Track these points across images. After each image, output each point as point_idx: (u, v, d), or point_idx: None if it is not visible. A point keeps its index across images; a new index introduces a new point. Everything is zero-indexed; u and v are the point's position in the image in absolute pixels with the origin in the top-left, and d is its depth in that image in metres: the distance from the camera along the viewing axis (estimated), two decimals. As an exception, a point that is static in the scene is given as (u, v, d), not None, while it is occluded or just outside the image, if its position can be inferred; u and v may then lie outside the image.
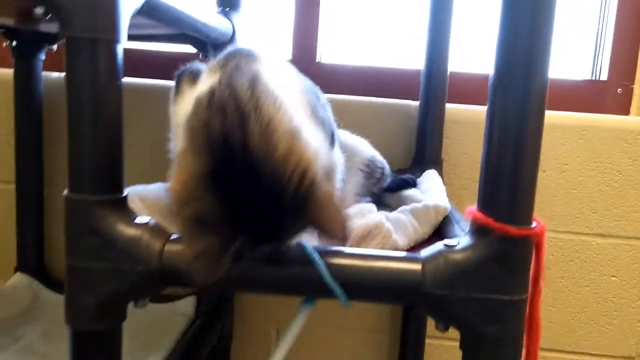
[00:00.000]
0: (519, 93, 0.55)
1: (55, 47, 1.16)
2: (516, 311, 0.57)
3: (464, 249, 0.57)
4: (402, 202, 0.90)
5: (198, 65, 0.70)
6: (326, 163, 0.56)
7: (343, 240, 0.53)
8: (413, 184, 0.97)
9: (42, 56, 1.17)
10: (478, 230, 0.57)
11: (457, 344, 1.27)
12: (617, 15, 1.26)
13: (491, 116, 0.57)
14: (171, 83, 0.72)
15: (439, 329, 0.60)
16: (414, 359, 1.22)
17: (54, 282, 1.25)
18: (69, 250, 0.59)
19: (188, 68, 0.70)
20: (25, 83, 1.15)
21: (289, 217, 0.52)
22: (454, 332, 1.25)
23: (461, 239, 0.59)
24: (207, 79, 0.60)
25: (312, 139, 0.55)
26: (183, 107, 0.62)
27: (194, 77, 0.67)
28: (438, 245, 0.59)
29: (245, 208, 0.52)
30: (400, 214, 0.78)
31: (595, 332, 1.22)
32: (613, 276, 1.20)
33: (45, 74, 1.21)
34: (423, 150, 1.14)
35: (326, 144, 0.60)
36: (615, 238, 1.18)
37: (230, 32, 1.04)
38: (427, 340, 1.22)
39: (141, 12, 0.62)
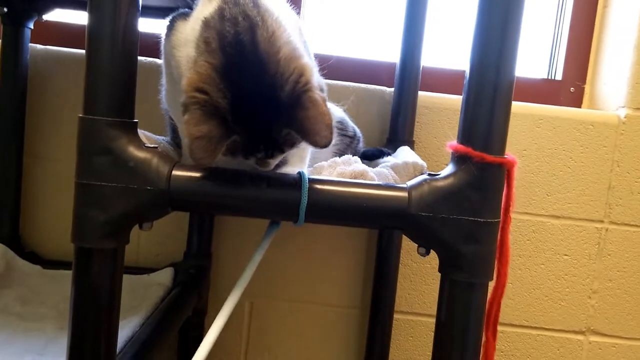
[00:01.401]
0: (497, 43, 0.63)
1: (44, 17, 1.19)
2: (490, 233, 0.64)
3: (445, 177, 0.64)
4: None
5: (184, 10, 0.77)
6: (318, 79, 0.64)
7: (327, 141, 0.60)
8: (388, 154, 1.04)
9: (31, 25, 1.19)
10: (458, 159, 0.64)
11: (424, 319, 1.33)
12: (572, 21, 1.39)
13: (471, 63, 0.64)
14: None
15: (420, 253, 0.66)
16: (382, 333, 1.28)
17: (27, 253, 1.25)
18: (80, 168, 0.62)
19: (179, 12, 0.77)
20: (13, 51, 1.17)
21: (284, 115, 0.60)
22: (419, 307, 1.31)
23: (443, 170, 0.66)
24: (206, 6, 0.67)
25: (306, 55, 0.64)
26: (180, 36, 0.71)
27: (185, 15, 0.74)
28: (422, 176, 0.66)
29: (248, 99, 0.59)
30: (382, 169, 0.85)
31: (549, 307, 1.31)
32: (565, 255, 1.29)
33: (32, 45, 1.23)
34: (396, 131, 1.22)
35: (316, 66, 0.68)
36: (567, 219, 1.28)
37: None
38: (395, 315, 1.28)
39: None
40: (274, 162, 0.65)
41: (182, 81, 0.60)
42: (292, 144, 0.63)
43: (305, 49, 0.67)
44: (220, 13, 0.63)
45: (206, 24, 0.63)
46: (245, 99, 0.59)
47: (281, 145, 0.63)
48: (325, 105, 0.61)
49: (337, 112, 1.00)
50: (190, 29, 0.67)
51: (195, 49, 0.62)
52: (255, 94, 0.59)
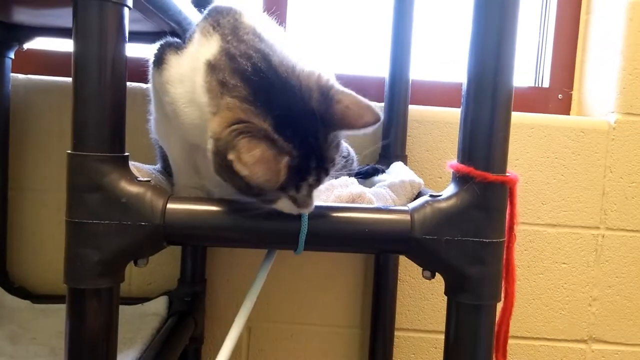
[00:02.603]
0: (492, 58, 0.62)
1: (25, 46, 1.17)
2: (495, 253, 0.63)
3: (447, 198, 0.63)
4: (375, 185, 0.95)
5: (173, 39, 0.75)
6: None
7: (377, 117, 0.61)
8: (382, 172, 1.03)
9: (12, 55, 1.17)
10: (460, 179, 0.63)
11: (425, 335, 1.32)
12: (556, 28, 1.40)
13: (468, 79, 0.63)
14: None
15: (425, 277, 0.65)
16: (383, 352, 1.26)
17: (16, 288, 1.22)
18: (71, 206, 0.60)
19: (168, 42, 0.74)
20: (-6, 82, 1.15)
21: (324, 120, 0.59)
22: (419, 323, 1.30)
23: (444, 191, 0.64)
24: (204, 45, 0.65)
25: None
26: (174, 72, 0.69)
27: (176, 48, 0.71)
28: (424, 198, 0.64)
29: (286, 118, 0.58)
30: (379, 188, 0.83)
31: (550, 317, 1.30)
32: (563, 263, 1.29)
33: (13, 75, 1.20)
34: (388, 147, 1.21)
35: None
36: (563, 227, 1.28)
37: (206, 31, 1.08)
38: (396, 333, 1.27)
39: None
40: (316, 191, 0.63)
41: (213, 121, 0.58)
42: (338, 152, 0.62)
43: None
44: (227, 53, 0.62)
45: (213, 67, 0.61)
46: (282, 118, 0.58)
47: (331, 156, 0.61)
48: (355, 94, 0.61)
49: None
50: (189, 68, 0.66)
51: (206, 94, 0.61)
52: (291, 112, 0.59)
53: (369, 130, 0.61)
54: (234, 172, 0.56)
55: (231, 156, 0.55)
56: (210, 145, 0.58)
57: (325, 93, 0.60)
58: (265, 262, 0.72)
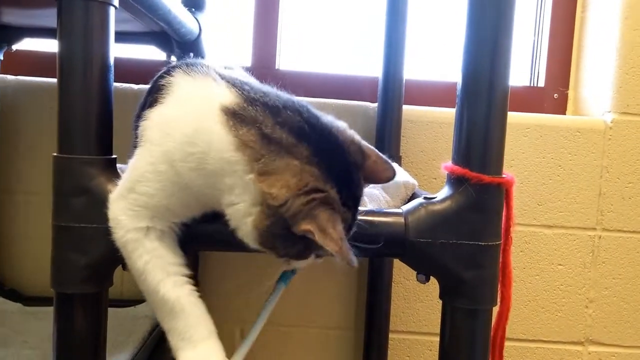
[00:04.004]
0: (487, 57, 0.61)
1: (14, 47, 1.15)
2: (492, 256, 0.62)
3: (442, 200, 0.62)
4: (368, 186, 0.94)
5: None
6: None
7: (394, 172, 0.63)
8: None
9: (0, 56, 1.15)
10: (455, 181, 0.61)
11: (419, 337, 1.31)
12: (551, 27, 1.39)
13: (463, 78, 0.62)
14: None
15: (420, 280, 0.64)
16: (378, 354, 1.24)
17: (7, 290, 1.20)
18: (57, 210, 0.59)
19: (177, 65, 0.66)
20: (-18, 83, 1.13)
21: (361, 176, 0.60)
22: (414, 325, 1.29)
23: (439, 193, 0.63)
24: (204, 83, 0.60)
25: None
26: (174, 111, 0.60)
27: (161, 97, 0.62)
28: (418, 200, 0.63)
29: (339, 180, 0.56)
30: (372, 189, 0.82)
31: (546, 319, 1.29)
32: (560, 265, 1.28)
33: (2, 76, 1.19)
34: (382, 147, 1.20)
35: None
36: (559, 228, 1.27)
37: (197, 30, 1.07)
38: (390, 335, 1.25)
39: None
40: None
41: (273, 185, 0.53)
42: None
43: None
44: (257, 102, 0.56)
45: (235, 114, 0.55)
46: (342, 181, 0.56)
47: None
48: (377, 154, 0.63)
49: None
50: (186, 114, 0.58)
51: (237, 151, 0.54)
52: (345, 171, 0.58)
53: (387, 182, 0.64)
54: (290, 240, 0.54)
55: (309, 226, 0.52)
56: (259, 206, 0.54)
57: (359, 148, 0.61)
58: (272, 298, 0.71)
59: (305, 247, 0.56)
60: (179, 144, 0.56)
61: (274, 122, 0.55)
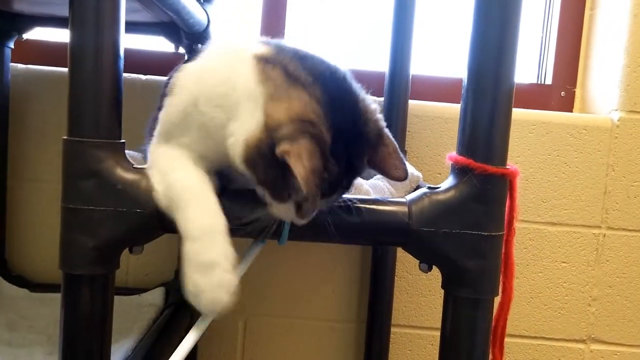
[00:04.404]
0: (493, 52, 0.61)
1: (25, 36, 1.16)
2: (495, 247, 0.62)
3: (446, 190, 0.62)
4: (372, 178, 0.95)
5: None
6: None
7: (406, 174, 0.62)
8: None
9: (12, 44, 1.16)
10: (459, 171, 0.62)
11: (421, 331, 1.31)
12: (560, 24, 1.38)
13: (469, 69, 0.62)
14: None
15: (422, 270, 0.64)
16: (380, 347, 1.25)
17: (14, 276, 1.22)
18: (66, 192, 0.60)
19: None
20: (-7, 71, 1.14)
21: (368, 151, 0.60)
22: (416, 320, 1.29)
23: (443, 183, 0.64)
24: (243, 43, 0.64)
25: None
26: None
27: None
28: (422, 190, 0.64)
29: (342, 135, 0.57)
30: (376, 181, 0.83)
31: (548, 316, 1.29)
32: (563, 262, 1.28)
33: (13, 64, 1.20)
34: (388, 141, 1.20)
35: None
36: (564, 226, 1.27)
37: (206, 21, 1.08)
38: (392, 329, 1.26)
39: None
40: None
41: (277, 109, 0.55)
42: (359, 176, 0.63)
43: None
44: (288, 51, 0.60)
45: (267, 60, 0.58)
46: (342, 135, 0.57)
47: (356, 178, 0.62)
48: (395, 147, 0.63)
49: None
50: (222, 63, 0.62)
51: (262, 84, 0.57)
52: (349, 131, 0.58)
53: (396, 181, 0.64)
54: (271, 164, 0.54)
55: (288, 147, 0.53)
56: (256, 128, 0.55)
57: (379, 130, 0.61)
58: (250, 253, 0.68)
59: (282, 175, 0.55)
60: (209, 87, 0.60)
61: (299, 65, 0.58)
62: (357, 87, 0.62)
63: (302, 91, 0.56)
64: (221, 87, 0.59)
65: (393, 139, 0.63)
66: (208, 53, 0.65)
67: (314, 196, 0.53)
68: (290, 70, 0.58)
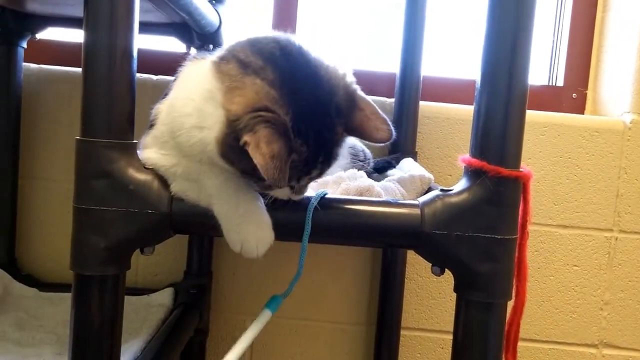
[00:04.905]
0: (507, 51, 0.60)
1: (37, 36, 1.17)
2: (508, 250, 0.62)
3: (459, 192, 0.62)
4: (384, 180, 0.94)
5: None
6: None
7: (390, 134, 0.61)
8: (394, 166, 1.02)
9: (24, 44, 1.17)
10: (472, 174, 0.62)
11: (431, 334, 1.30)
12: (571, 26, 1.37)
13: (483, 71, 0.62)
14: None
15: (434, 273, 0.64)
16: (389, 350, 1.24)
17: (24, 275, 1.22)
18: (78, 192, 0.60)
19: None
20: (6, 70, 1.15)
21: (342, 120, 0.59)
22: (426, 322, 1.28)
23: (456, 185, 0.63)
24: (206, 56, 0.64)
25: None
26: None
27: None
28: (434, 192, 0.63)
29: (307, 111, 0.57)
30: (388, 182, 0.82)
31: (560, 320, 1.28)
32: (575, 266, 1.27)
33: (25, 64, 1.21)
34: (398, 143, 1.20)
35: None
36: (576, 229, 1.26)
37: (217, 22, 1.08)
38: (402, 332, 1.25)
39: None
40: (309, 183, 0.62)
41: (233, 101, 0.56)
42: (338, 154, 0.62)
43: None
44: (242, 42, 0.61)
45: (222, 57, 0.59)
46: (304, 111, 0.57)
47: (337, 152, 0.60)
48: (373, 103, 0.61)
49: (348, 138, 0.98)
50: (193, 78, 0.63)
51: (217, 80, 0.58)
52: (314, 105, 0.57)
53: (379, 145, 0.62)
54: (243, 155, 0.55)
55: (248, 138, 0.54)
56: (220, 124, 0.56)
57: (350, 95, 0.60)
58: (255, 323, 0.68)
59: (252, 162, 0.55)
60: (182, 117, 0.61)
61: (251, 51, 0.59)
62: (317, 55, 0.60)
63: (254, 77, 0.56)
64: (190, 114, 0.60)
65: (370, 102, 0.61)
66: (180, 78, 0.67)
67: (278, 181, 0.53)
68: (242, 59, 0.58)
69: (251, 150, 0.53)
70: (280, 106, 0.56)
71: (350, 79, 0.61)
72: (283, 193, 0.61)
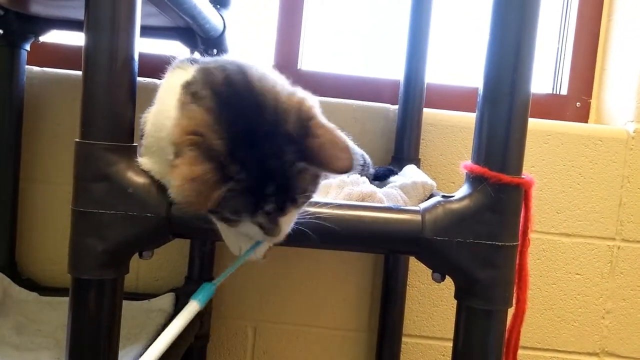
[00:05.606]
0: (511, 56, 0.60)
1: (40, 39, 1.17)
2: (509, 257, 0.61)
3: (460, 199, 0.61)
4: (386, 186, 0.94)
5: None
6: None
7: (348, 164, 0.55)
8: (396, 173, 1.02)
9: (27, 47, 1.17)
10: (474, 180, 0.61)
11: (433, 342, 1.30)
12: (576, 35, 1.37)
13: (486, 77, 0.62)
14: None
15: (435, 279, 0.63)
16: (390, 357, 1.24)
17: (24, 279, 1.22)
18: (77, 195, 0.60)
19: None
20: (8, 72, 1.15)
21: (293, 150, 0.54)
22: (428, 330, 1.28)
23: (457, 192, 0.63)
24: (182, 71, 0.62)
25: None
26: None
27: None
28: (436, 198, 0.63)
29: (249, 138, 0.54)
30: (390, 189, 0.82)
31: (561, 328, 1.27)
32: (577, 274, 1.26)
33: (28, 67, 1.21)
34: (402, 150, 1.20)
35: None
36: (578, 237, 1.25)
37: (222, 27, 1.08)
38: (403, 339, 1.25)
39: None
40: (286, 218, 0.57)
41: (175, 130, 0.55)
42: (313, 183, 0.57)
43: None
44: (203, 69, 0.59)
45: (188, 84, 0.58)
46: (245, 138, 0.54)
47: (301, 185, 0.56)
48: (337, 131, 0.56)
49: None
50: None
51: (177, 110, 0.56)
52: (256, 132, 0.54)
53: (338, 174, 0.57)
54: None
55: (174, 162, 0.52)
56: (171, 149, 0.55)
57: (303, 121, 0.55)
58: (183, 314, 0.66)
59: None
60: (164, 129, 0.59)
61: (199, 81, 0.57)
62: (266, 84, 0.57)
63: (195, 106, 0.55)
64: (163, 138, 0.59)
65: (331, 128, 0.56)
66: (161, 89, 0.64)
67: (193, 205, 0.51)
68: (193, 89, 0.56)
69: (172, 173, 0.52)
70: (214, 131, 0.53)
71: (308, 104, 0.57)
72: (253, 231, 0.57)
